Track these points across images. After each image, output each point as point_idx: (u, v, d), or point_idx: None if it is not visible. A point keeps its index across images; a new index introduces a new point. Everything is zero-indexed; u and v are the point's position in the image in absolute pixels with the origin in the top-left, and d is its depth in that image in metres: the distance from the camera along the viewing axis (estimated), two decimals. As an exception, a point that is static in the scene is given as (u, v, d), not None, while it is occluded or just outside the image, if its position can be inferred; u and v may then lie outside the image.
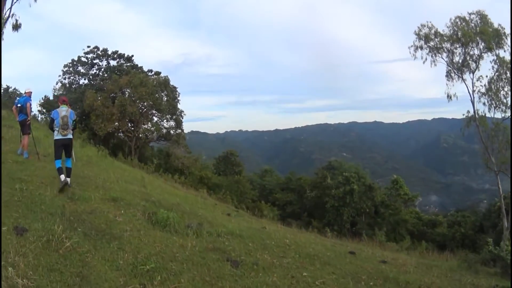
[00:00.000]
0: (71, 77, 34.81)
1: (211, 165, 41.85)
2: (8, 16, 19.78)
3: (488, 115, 20.30)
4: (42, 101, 32.64)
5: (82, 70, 34.95)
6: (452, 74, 21.08)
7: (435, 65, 21.19)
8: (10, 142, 10.78)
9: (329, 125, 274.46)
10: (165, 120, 33.74)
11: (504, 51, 19.72)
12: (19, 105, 9.67)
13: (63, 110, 7.33)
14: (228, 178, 34.94)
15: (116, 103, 30.24)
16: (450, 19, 20.82)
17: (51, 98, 32.84)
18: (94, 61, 34.89)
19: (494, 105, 19.74)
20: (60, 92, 33.10)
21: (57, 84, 34.46)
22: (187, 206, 9.39)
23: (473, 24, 20.12)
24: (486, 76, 20.20)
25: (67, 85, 34.43)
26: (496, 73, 19.88)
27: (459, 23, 20.47)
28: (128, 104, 30.03)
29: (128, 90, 31.70)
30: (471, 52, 20.41)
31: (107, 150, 21.87)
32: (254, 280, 4.57)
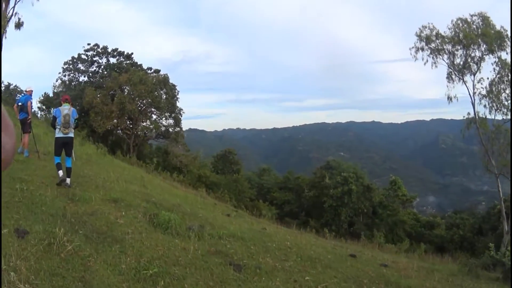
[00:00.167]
0: (71, 75, 34.70)
1: (209, 163, 41.72)
2: (12, 15, 19.76)
3: (488, 117, 20.35)
4: (42, 98, 32.60)
5: (82, 68, 34.84)
6: (453, 76, 21.14)
7: (436, 66, 21.27)
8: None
9: (327, 124, 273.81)
10: (164, 118, 33.70)
11: (506, 53, 19.79)
12: (20, 103, 9.66)
13: (66, 109, 7.36)
14: (227, 177, 34.81)
15: (115, 100, 30.19)
16: (452, 21, 20.88)
17: (51, 95, 32.83)
18: (94, 59, 34.72)
19: (495, 107, 19.77)
20: (60, 89, 33.06)
21: (57, 81, 34.39)
22: (188, 206, 9.37)
23: (474, 26, 20.14)
24: (487, 78, 20.28)
25: (67, 82, 34.35)
26: (498, 75, 19.89)
27: (460, 25, 20.49)
28: (127, 101, 29.94)
29: (127, 88, 31.61)
30: (473, 54, 20.45)
31: (106, 147, 21.83)
32: (258, 284, 4.56)
